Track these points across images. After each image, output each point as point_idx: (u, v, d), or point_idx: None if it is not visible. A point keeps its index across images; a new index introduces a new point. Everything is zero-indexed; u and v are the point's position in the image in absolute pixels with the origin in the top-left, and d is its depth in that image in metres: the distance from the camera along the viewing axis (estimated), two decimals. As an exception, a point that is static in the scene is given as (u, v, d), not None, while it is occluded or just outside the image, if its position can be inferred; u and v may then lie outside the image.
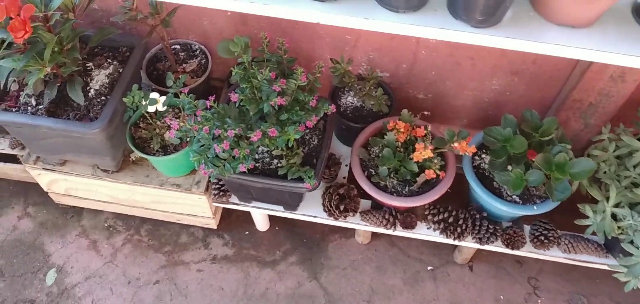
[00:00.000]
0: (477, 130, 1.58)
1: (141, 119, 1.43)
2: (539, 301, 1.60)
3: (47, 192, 1.69)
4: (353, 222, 1.46)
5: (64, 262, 1.66)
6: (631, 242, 1.27)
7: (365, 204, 1.49)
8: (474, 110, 1.65)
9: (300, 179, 1.24)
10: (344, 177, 1.55)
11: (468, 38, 0.81)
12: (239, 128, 1.16)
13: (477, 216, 1.41)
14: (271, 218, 1.72)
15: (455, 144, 1.25)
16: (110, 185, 1.54)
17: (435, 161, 1.28)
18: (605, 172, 1.36)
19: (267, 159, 1.31)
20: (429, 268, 1.66)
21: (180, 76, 1.34)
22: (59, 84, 1.32)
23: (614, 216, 1.30)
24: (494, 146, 1.30)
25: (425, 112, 1.37)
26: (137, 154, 1.39)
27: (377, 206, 1.48)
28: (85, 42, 1.39)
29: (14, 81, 1.40)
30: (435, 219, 1.42)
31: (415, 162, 1.28)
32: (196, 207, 1.57)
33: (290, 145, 1.22)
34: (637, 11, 0.88)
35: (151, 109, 1.31)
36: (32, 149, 1.53)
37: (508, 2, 0.79)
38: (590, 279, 1.65)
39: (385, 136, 1.33)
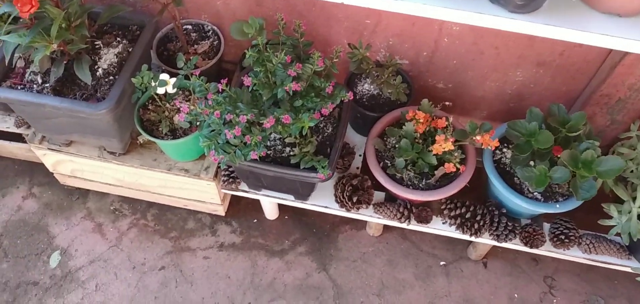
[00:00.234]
0: (496, 122, 1.52)
1: (150, 101, 1.39)
2: (555, 301, 1.55)
3: (52, 173, 1.65)
4: (366, 214, 1.41)
5: (69, 244, 1.63)
6: (658, 245, 1.22)
7: (378, 196, 1.44)
8: (495, 102, 1.58)
9: (313, 169, 1.19)
10: (357, 168, 1.50)
11: (505, 24, 0.75)
12: (252, 114, 1.11)
13: (496, 212, 1.35)
14: (280, 207, 1.68)
15: (478, 137, 1.19)
16: (117, 168, 1.50)
17: (456, 154, 1.22)
18: (632, 171, 1.30)
19: (279, 147, 1.26)
20: (442, 263, 1.61)
21: (191, 58, 1.29)
22: (65, 62, 1.27)
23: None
24: (518, 141, 1.24)
25: (447, 103, 1.31)
26: (145, 137, 1.34)
27: (390, 198, 1.43)
28: (94, 19, 1.34)
29: (20, 57, 1.35)
30: (452, 214, 1.37)
31: (434, 154, 1.22)
32: (204, 194, 1.53)
33: (304, 133, 1.17)
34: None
35: (160, 90, 1.26)
36: (38, 129, 1.49)
37: (549, -14, 0.73)
38: (608, 280, 1.59)
39: (403, 127, 1.27)
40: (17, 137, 1.67)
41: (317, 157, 1.19)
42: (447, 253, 1.63)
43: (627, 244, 1.36)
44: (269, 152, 1.24)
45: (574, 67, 1.41)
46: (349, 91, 1.18)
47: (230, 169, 1.45)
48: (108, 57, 1.36)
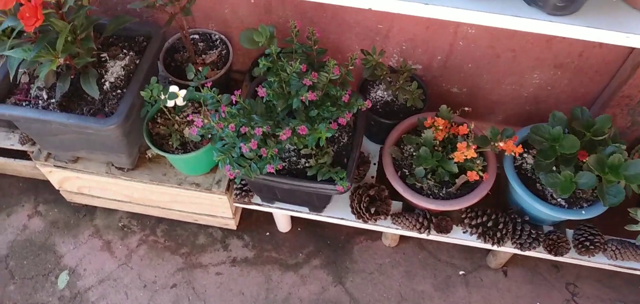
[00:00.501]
0: (510, 126, 1.48)
1: (158, 114, 1.35)
2: (579, 309, 1.51)
3: (58, 190, 1.61)
4: (384, 225, 1.37)
5: (77, 264, 1.58)
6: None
7: (395, 205, 1.40)
8: (511, 105, 1.55)
9: (330, 181, 1.14)
10: (372, 177, 1.46)
11: (544, 27, 0.71)
12: (267, 126, 1.07)
13: (519, 220, 1.31)
14: (293, 218, 1.63)
15: (501, 144, 1.15)
16: (126, 184, 1.45)
17: (478, 161, 1.18)
18: (658, 174, 1.26)
19: (294, 158, 1.22)
20: (461, 272, 1.57)
21: (201, 68, 1.25)
22: (72, 77, 1.23)
23: (669, 222, 1.20)
24: (541, 146, 1.20)
25: (466, 108, 1.27)
26: (155, 151, 1.30)
27: (408, 208, 1.39)
28: (99, 31, 1.30)
29: (24, 72, 1.31)
30: (473, 222, 1.32)
31: (455, 162, 1.18)
32: (216, 208, 1.49)
33: (321, 144, 1.13)
34: None
35: (170, 103, 1.23)
36: (43, 146, 1.45)
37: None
38: (632, 285, 1.55)
39: (422, 134, 1.23)
40: (22, 155, 1.63)
41: (334, 169, 1.15)
42: (465, 261, 1.58)
43: (654, 249, 1.32)
44: (284, 164, 1.20)
45: (593, 69, 1.37)
46: (367, 99, 1.14)
47: (242, 182, 1.40)
48: (115, 69, 1.32)
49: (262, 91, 1.10)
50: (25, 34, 1.12)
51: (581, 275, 1.56)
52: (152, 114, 1.34)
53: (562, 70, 1.39)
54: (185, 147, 1.31)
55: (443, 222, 1.34)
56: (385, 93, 1.45)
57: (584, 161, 1.17)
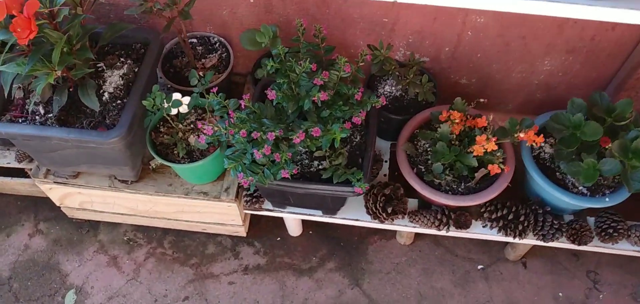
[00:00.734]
0: (523, 115, 1.44)
1: (161, 123, 1.29)
2: (601, 296, 1.48)
3: (59, 207, 1.55)
4: (401, 224, 1.33)
5: (83, 282, 1.53)
6: None
7: (410, 203, 1.36)
8: (521, 94, 1.51)
9: (346, 182, 1.10)
10: (384, 175, 1.41)
11: (586, 12, 0.68)
12: (280, 130, 1.02)
13: (540, 211, 1.27)
14: (304, 222, 1.59)
15: (521, 134, 1.11)
16: (130, 196, 1.40)
17: (498, 154, 1.14)
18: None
19: (306, 161, 1.17)
20: (480, 266, 1.53)
21: (202, 73, 1.20)
22: (69, 89, 1.18)
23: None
24: (562, 134, 1.16)
25: (482, 100, 1.23)
26: (160, 161, 1.24)
27: (424, 205, 1.35)
28: (95, 40, 1.24)
29: (18, 87, 1.25)
30: (493, 216, 1.28)
31: (474, 156, 1.14)
32: (225, 216, 1.44)
33: (336, 145, 1.08)
34: None
35: (174, 111, 1.17)
36: (42, 162, 1.39)
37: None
38: (654, 269, 1.52)
39: (438, 128, 1.19)
40: (19, 172, 1.57)
41: (350, 170, 1.10)
42: (483, 255, 1.54)
43: (678, 232, 1.29)
44: (296, 167, 1.15)
45: (605, 53, 1.34)
46: (381, 96, 1.10)
47: (253, 189, 1.35)
48: (113, 79, 1.26)
49: (271, 94, 1.05)
50: (17, 47, 1.06)
51: (601, 262, 1.53)
52: (155, 123, 1.29)
53: (573, 55, 1.35)
54: (191, 155, 1.26)
55: (461, 217, 1.30)
56: (393, 88, 1.40)
57: (606, 147, 1.13)
